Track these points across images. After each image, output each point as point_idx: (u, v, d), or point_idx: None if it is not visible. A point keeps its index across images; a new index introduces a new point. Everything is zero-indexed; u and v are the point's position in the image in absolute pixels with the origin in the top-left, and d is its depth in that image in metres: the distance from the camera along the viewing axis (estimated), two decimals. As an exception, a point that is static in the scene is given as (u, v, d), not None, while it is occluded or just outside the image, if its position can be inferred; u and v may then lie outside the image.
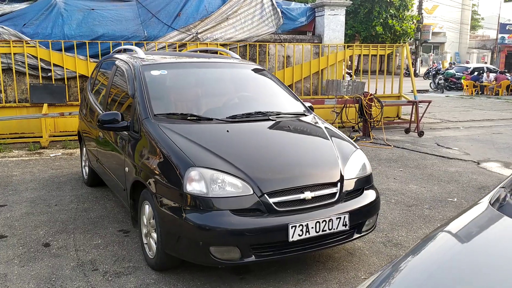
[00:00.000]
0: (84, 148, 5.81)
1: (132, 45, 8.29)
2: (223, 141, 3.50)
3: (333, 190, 3.31)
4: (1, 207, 4.96)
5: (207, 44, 9.60)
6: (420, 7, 39.10)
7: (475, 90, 22.34)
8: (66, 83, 9.05)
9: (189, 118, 3.79)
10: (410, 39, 35.55)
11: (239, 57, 5.15)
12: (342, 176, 3.39)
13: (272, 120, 3.93)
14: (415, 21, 32.66)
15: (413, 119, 9.99)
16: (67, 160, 7.34)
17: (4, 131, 8.58)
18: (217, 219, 2.98)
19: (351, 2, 12.08)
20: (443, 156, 7.76)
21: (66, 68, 8.99)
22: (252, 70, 4.81)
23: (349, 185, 3.41)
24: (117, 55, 5.18)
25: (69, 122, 8.88)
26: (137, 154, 3.63)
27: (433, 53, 49.64)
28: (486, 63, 41.34)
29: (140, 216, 3.68)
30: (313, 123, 4.05)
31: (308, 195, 3.17)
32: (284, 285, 3.28)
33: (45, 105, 8.62)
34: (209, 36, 9.79)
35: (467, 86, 22.70)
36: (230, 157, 3.26)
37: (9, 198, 5.28)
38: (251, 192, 3.06)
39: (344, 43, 10.84)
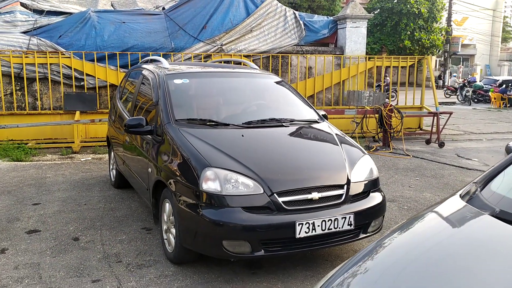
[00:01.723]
0: (112, 153, 6.18)
1: (160, 56, 8.71)
2: (237, 145, 3.77)
3: (340, 191, 3.53)
4: (35, 205, 5.35)
5: (231, 55, 9.95)
6: (449, 19, 38.77)
7: (503, 103, 22.00)
8: (97, 91, 9.53)
9: (207, 123, 4.08)
10: (438, 51, 35.26)
11: (258, 68, 5.43)
12: (348, 179, 3.60)
13: (286, 126, 4.18)
14: (444, 33, 32.39)
15: (434, 130, 10.06)
16: (96, 164, 7.75)
17: (39, 136, 9.10)
18: (230, 215, 3.25)
19: (373, 15, 12.23)
20: (461, 167, 7.82)
21: (98, 78, 9.47)
22: (270, 80, 5.08)
23: (355, 188, 3.62)
24: (144, 65, 5.54)
25: (99, 128, 9.34)
26: (159, 156, 3.94)
27: (462, 65, 48.97)
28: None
29: (161, 214, 3.98)
30: (325, 130, 4.28)
31: (315, 195, 3.40)
32: (293, 281, 3.50)
33: (77, 112, 9.10)
34: (233, 47, 10.15)
35: (495, 98, 22.37)
36: (243, 159, 3.52)
37: (43, 197, 5.68)
38: (262, 191, 3.31)
39: (372, 55, 11.01)
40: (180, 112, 4.16)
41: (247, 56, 10.02)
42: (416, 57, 11.40)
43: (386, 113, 9.27)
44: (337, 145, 3.98)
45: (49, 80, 9.30)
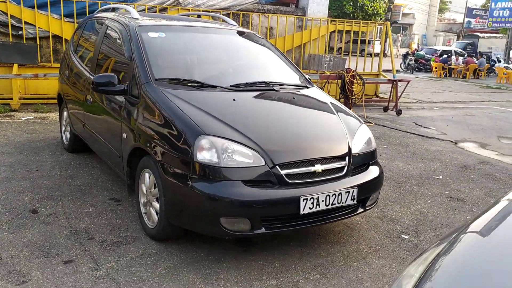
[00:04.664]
0: (65, 112, 5.53)
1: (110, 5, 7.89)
2: (230, 110, 3.38)
3: (342, 163, 3.27)
4: (-22, 171, 4.68)
5: (188, 9, 9.28)
6: (391, -13, 39.28)
7: (444, 73, 22.85)
8: (38, 43, 8.55)
9: (192, 84, 3.63)
10: (380, 19, 35.82)
11: (237, 24, 4.97)
12: (350, 150, 3.35)
13: (276, 90, 3.83)
14: (386, 0, 32.77)
15: (391, 98, 10.10)
16: (41, 124, 7.00)
17: (-31, 90, 8.08)
18: (228, 189, 2.89)
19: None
20: (422, 135, 7.91)
21: (39, 27, 8.48)
22: (253, 38, 4.66)
23: (356, 160, 3.39)
24: (105, 14, 4.90)
25: (41, 84, 8.46)
26: (138, 120, 3.45)
27: (402, 34, 50.30)
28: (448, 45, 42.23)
29: (138, 185, 3.54)
30: (318, 97, 3.97)
31: (318, 167, 3.12)
32: (289, 257, 3.25)
33: (15, 65, 8.13)
34: (191, 1, 9.46)
35: (436, 68, 23.18)
36: (240, 126, 3.15)
37: (-14, 161, 4.98)
38: (263, 163, 2.98)
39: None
40: (159, 70, 3.67)
41: (206, 12, 9.38)
42: (376, 22, 11.30)
43: (349, 79, 9.14)
44: (334, 113, 3.70)
45: (-19, 27, 8.20)
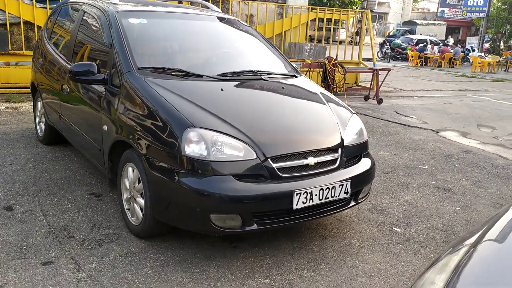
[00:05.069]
0: (40, 103, 5.26)
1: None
2: (218, 101, 3.22)
3: (335, 156, 3.17)
4: None
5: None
6: (368, -25, 39.37)
7: (420, 61, 23.06)
8: (8, 29, 8.15)
9: (177, 73, 3.45)
10: (356, 8, 35.90)
11: (220, 10, 4.78)
12: (342, 142, 3.25)
13: (265, 80, 3.68)
14: (362, -12, 32.85)
15: (371, 86, 10.07)
16: (14, 115, 6.69)
17: None
18: (219, 184, 2.75)
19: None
20: (404, 124, 7.90)
21: (9, 13, 8.08)
22: (237, 24, 4.48)
23: (348, 151, 3.29)
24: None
25: (13, 73, 8.09)
26: (119, 112, 3.26)
27: (377, 23, 50.57)
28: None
29: (120, 179, 3.36)
30: (308, 87, 3.84)
31: (311, 160, 3.00)
32: (281, 254, 3.14)
33: (-16, 53, 7.75)
34: (169, -13, 9.15)
35: (412, 57, 23.36)
36: (229, 118, 3.00)
37: (-46, 155, 4.70)
38: (254, 156, 2.84)
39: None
40: (142, 59, 3.47)
41: (184, -2, 9.11)
42: (356, 11, 11.22)
43: (330, 67, 9.05)
44: (325, 104, 3.58)
45: None
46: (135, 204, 3.19)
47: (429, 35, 33.06)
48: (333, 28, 11.11)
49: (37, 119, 5.44)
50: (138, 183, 3.12)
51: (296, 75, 4.03)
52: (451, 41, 29.63)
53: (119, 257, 2.97)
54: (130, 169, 3.23)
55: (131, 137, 3.11)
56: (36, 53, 5.38)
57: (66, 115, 4.33)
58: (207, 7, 4.79)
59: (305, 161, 2.99)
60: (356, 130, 3.46)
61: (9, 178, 4.20)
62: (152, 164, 2.92)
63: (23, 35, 8.28)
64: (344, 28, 25.21)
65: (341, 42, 11.41)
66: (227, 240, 3.26)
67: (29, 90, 5.85)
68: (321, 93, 3.76)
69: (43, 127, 5.24)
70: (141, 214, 3.12)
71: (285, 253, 3.16)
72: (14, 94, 7.75)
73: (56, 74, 4.53)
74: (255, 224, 2.85)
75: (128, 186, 3.27)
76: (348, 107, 3.73)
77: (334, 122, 3.36)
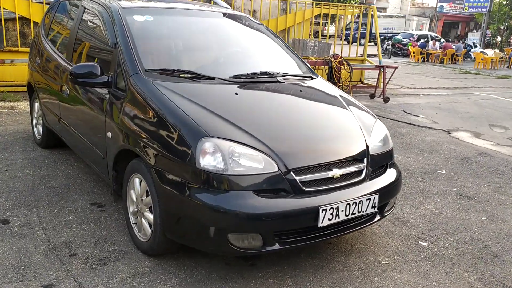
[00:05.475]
0: (37, 104, 4.98)
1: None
2: (233, 106, 2.95)
3: (360, 166, 2.90)
4: None
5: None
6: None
7: (421, 57, 22.80)
8: (3, 25, 7.84)
9: (186, 76, 3.17)
10: (355, 3, 35.60)
11: (229, 6, 4.50)
12: (368, 150, 2.99)
13: (281, 82, 3.41)
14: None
15: (377, 84, 9.81)
16: (9, 115, 6.40)
17: None
18: (237, 200, 2.48)
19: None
20: (414, 124, 7.65)
21: (4, 8, 7.77)
22: (248, 22, 4.20)
23: (374, 161, 3.02)
24: (81, -5, 4.35)
25: (7, 70, 7.79)
26: (125, 118, 2.99)
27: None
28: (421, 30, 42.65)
29: (126, 191, 3.09)
30: (326, 89, 3.58)
31: (336, 172, 2.74)
32: (302, 273, 2.88)
33: (-21, 49, 7.45)
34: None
35: (413, 53, 23.10)
36: (246, 125, 2.73)
37: None
38: (276, 168, 2.58)
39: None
40: (149, 60, 3.19)
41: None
42: (362, 6, 10.94)
43: (336, 65, 8.78)
44: (346, 108, 3.32)
45: None
46: (142, 219, 2.93)
47: (386, 28, 32.91)
48: (321, 23, 10.82)
49: (34, 121, 5.15)
50: (146, 196, 2.85)
51: (313, 76, 3.76)
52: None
53: (126, 279, 2.71)
54: (137, 180, 2.96)
55: (138, 146, 2.84)
56: (33, 51, 5.08)
57: (66, 118, 4.06)
58: (215, 3, 4.51)
59: (330, 173, 2.72)
60: (381, 137, 3.21)
61: (5, 186, 3.93)
62: (163, 177, 2.65)
63: (18, 31, 7.96)
64: (333, 23, 24.89)
65: (330, 36, 11.15)
66: (243, 258, 3.00)
67: (25, 89, 5.57)
68: (340, 96, 3.50)
69: (41, 129, 4.96)
70: (149, 230, 2.86)
71: (307, 272, 2.91)
72: (10, 93, 7.46)
73: (55, 74, 4.24)
74: (277, 244, 2.59)
75: (134, 199, 3.01)
76: (371, 112, 3.47)
77: (357, 129, 3.10)
